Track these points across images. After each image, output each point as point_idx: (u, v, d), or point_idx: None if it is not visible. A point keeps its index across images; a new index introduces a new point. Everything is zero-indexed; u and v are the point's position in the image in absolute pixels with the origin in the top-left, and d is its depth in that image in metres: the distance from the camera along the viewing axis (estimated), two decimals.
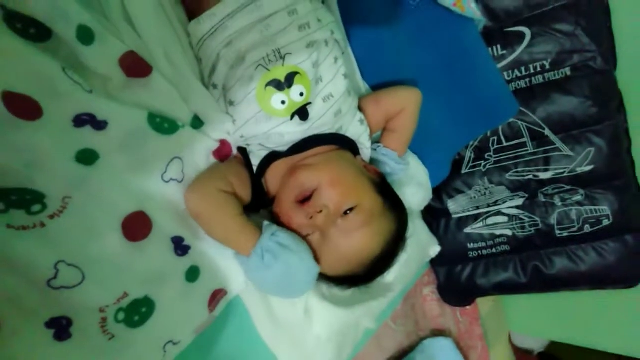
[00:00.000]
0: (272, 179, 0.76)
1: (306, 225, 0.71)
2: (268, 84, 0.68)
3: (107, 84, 0.62)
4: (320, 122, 0.72)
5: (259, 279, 0.71)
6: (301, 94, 0.69)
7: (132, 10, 0.63)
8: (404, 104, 0.84)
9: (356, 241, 0.72)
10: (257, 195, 0.75)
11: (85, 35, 0.56)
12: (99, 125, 0.59)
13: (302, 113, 0.70)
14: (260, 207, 0.79)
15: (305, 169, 0.72)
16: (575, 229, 1.20)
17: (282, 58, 0.68)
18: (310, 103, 0.70)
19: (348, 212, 0.71)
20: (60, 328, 0.56)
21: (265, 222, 0.72)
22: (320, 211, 0.69)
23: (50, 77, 0.53)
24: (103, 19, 0.61)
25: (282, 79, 0.68)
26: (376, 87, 0.89)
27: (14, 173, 0.52)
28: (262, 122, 0.70)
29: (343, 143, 0.77)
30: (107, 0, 0.61)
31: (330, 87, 0.72)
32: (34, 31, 0.54)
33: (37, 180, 0.54)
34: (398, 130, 0.86)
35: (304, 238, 0.73)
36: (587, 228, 1.19)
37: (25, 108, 0.52)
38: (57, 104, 0.54)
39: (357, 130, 0.78)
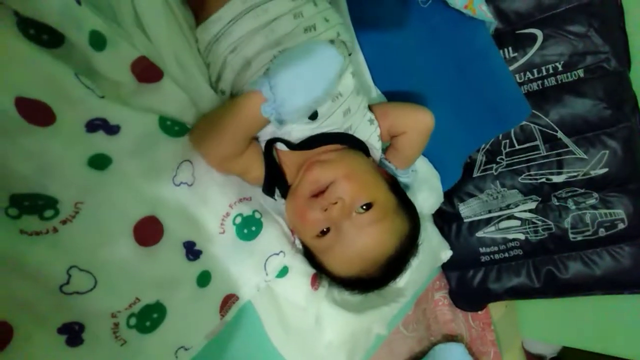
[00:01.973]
0: (287, 161, 0.75)
1: (321, 220, 0.71)
2: None
3: (119, 88, 0.62)
4: (329, 121, 0.71)
5: (289, 98, 0.61)
6: None
7: (143, 16, 0.63)
8: (407, 127, 0.80)
9: (370, 237, 0.71)
10: (271, 174, 0.74)
11: (98, 41, 0.56)
12: (112, 130, 0.59)
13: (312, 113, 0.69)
14: (274, 186, 0.76)
15: (321, 164, 0.71)
16: (589, 233, 1.18)
17: None
18: None
19: (363, 207, 0.70)
20: (73, 334, 0.56)
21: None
22: (335, 203, 0.69)
23: (63, 83, 0.54)
24: (115, 24, 0.61)
25: None
26: (388, 93, 0.89)
27: (27, 179, 0.52)
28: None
29: (352, 143, 0.76)
30: (119, 6, 0.61)
31: (339, 86, 0.71)
32: (46, 37, 0.54)
33: (49, 186, 0.54)
34: (399, 150, 0.83)
35: (319, 236, 0.72)
36: (601, 232, 1.17)
37: (38, 113, 0.52)
38: (69, 110, 0.54)
39: (366, 130, 0.77)
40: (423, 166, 0.97)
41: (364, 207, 0.70)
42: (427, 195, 0.98)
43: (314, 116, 0.70)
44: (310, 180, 0.71)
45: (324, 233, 0.72)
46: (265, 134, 0.73)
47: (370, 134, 0.78)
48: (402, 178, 0.86)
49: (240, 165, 0.72)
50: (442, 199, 1.05)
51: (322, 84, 0.60)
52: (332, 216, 0.69)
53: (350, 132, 0.75)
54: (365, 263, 0.73)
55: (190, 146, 0.69)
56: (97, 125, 0.57)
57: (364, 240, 0.71)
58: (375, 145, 0.80)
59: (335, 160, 0.72)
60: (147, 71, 0.63)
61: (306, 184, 0.71)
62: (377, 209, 0.71)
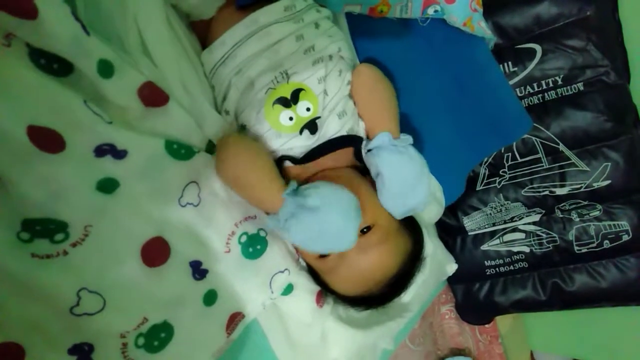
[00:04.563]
0: (294, 176, 0.75)
1: None
2: (275, 102, 0.70)
3: (126, 114, 0.63)
4: (328, 130, 0.72)
5: (291, 236, 0.65)
6: (308, 109, 0.70)
7: (149, 43, 0.65)
8: (354, 90, 0.77)
9: (372, 259, 0.72)
10: None
11: (106, 69, 0.58)
12: (119, 154, 0.61)
13: (311, 127, 0.71)
14: None
15: (327, 180, 0.72)
16: (594, 245, 1.18)
17: (288, 77, 0.70)
18: (319, 117, 0.71)
19: (365, 230, 0.71)
20: (83, 354, 0.57)
21: (292, 182, 0.67)
22: None
23: (73, 110, 0.55)
24: (122, 51, 0.63)
25: (288, 96, 0.70)
26: None
27: (39, 204, 0.54)
28: (273, 139, 0.72)
29: (353, 143, 0.76)
30: (126, 34, 0.63)
31: (337, 99, 0.73)
32: (56, 66, 0.56)
33: (60, 210, 0.55)
34: (362, 112, 0.77)
35: (322, 257, 0.73)
36: (606, 244, 1.17)
37: (49, 141, 0.53)
38: (79, 136, 0.56)
39: (361, 128, 0.78)
40: None
41: (365, 229, 0.71)
42: (431, 207, 0.99)
43: (313, 131, 0.71)
44: None
45: (326, 255, 0.73)
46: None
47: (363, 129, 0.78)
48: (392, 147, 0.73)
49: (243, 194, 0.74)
50: (443, 210, 1.06)
51: (325, 245, 0.65)
52: None
53: (353, 133, 0.76)
54: (369, 284, 0.74)
55: (199, 165, 0.71)
56: (105, 150, 0.59)
57: (367, 262, 0.72)
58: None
59: (340, 178, 0.73)
60: (153, 95, 0.64)
61: None
62: (378, 231, 0.71)
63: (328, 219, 0.62)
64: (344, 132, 0.74)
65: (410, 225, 0.79)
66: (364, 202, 0.71)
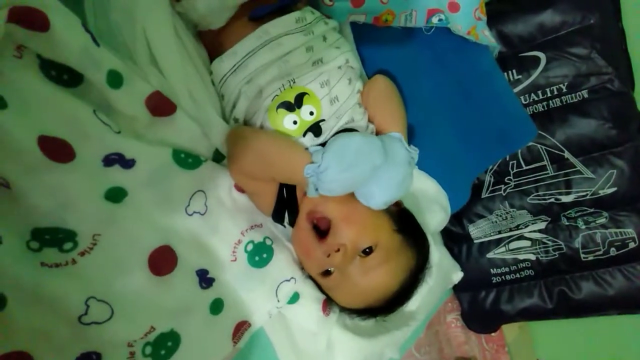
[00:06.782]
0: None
1: (325, 262, 0.72)
2: (279, 106, 0.70)
3: (134, 123, 0.64)
4: (331, 128, 0.72)
5: (334, 169, 0.64)
6: (311, 113, 0.70)
7: (157, 53, 0.66)
8: (367, 97, 0.78)
9: (374, 279, 0.72)
10: (283, 198, 0.75)
11: (115, 80, 0.58)
12: (127, 163, 0.61)
13: (315, 130, 0.71)
14: (284, 211, 0.77)
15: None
16: (600, 252, 1.18)
17: (294, 83, 0.70)
18: (323, 120, 0.71)
19: (367, 250, 0.71)
20: None
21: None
22: (338, 250, 0.69)
23: (82, 120, 0.56)
24: (130, 62, 0.64)
25: (292, 100, 0.70)
26: None
27: (48, 213, 0.54)
28: None
29: None
30: (134, 45, 0.64)
31: (346, 105, 0.73)
32: (67, 77, 0.57)
33: (69, 220, 0.56)
34: (374, 116, 0.77)
35: (324, 275, 0.74)
36: (612, 251, 1.17)
37: (59, 151, 0.54)
38: (88, 146, 0.57)
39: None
40: (432, 187, 0.97)
41: (367, 249, 0.71)
42: (436, 215, 0.99)
43: (317, 134, 0.71)
44: (308, 210, 0.72)
45: (328, 273, 0.74)
46: None
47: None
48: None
49: (256, 186, 0.74)
50: (448, 218, 1.06)
51: (363, 167, 0.64)
52: (334, 262, 0.70)
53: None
54: (371, 300, 0.75)
55: (205, 174, 0.71)
56: (113, 159, 0.60)
57: (369, 282, 0.72)
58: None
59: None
60: (160, 105, 0.65)
61: (304, 213, 0.73)
62: (380, 251, 0.72)
63: (356, 140, 0.65)
64: (347, 126, 0.73)
65: (414, 238, 0.78)
66: (365, 221, 0.71)
